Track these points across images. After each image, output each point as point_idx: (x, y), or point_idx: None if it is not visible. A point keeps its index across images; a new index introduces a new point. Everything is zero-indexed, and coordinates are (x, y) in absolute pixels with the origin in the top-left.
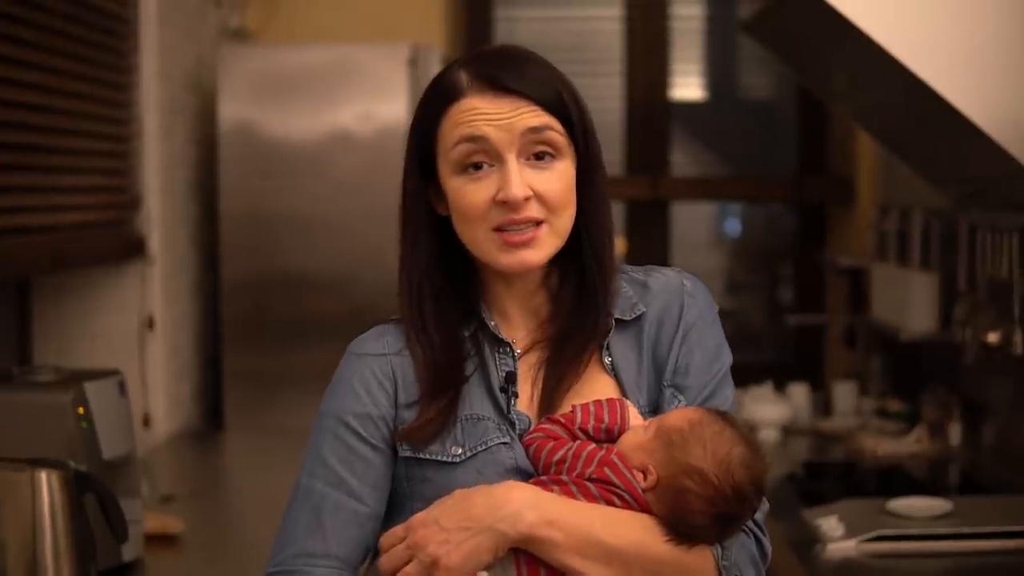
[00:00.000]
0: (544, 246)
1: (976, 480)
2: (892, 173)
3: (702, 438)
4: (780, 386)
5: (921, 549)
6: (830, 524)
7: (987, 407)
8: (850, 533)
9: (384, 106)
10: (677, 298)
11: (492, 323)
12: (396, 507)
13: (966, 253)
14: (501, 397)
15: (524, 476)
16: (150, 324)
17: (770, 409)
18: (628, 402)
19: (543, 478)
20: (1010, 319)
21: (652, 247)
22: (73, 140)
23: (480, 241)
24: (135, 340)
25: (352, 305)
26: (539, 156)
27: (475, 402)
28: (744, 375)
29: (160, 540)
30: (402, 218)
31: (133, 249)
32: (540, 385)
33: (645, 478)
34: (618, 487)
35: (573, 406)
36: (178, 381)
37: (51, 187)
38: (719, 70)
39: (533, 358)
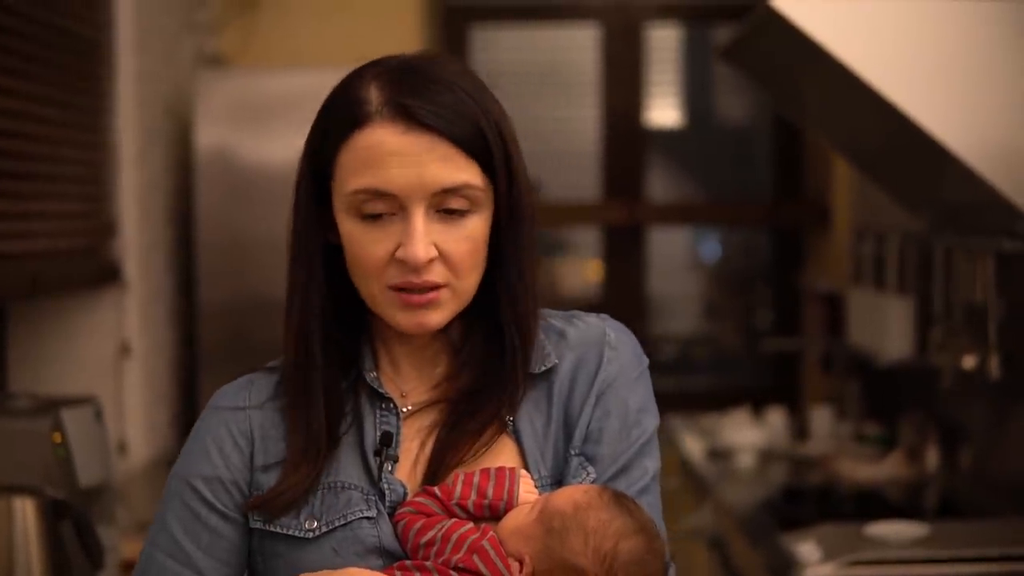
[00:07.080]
0: (445, 309)
1: (954, 504)
2: (868, 198)
3: (584, 528)
4: (757, 410)
5: (899, 574)
6: (807, 549)
7: (964, 431)
8: (827, 558)
9: None
10: (596, 350)
11: (372, 374)
12: None
13: (942, 278)
14: (374, 461)
15: (389, 558)
16: (126, 350)
17: (747, 433)
18: (522, 472)
19: (407, 563)
20: (985, 343)
21: (629, 272)
22: (49, 166)
23: (375, 297)
24: (111, 366)
25: None
26: (449, 210)
27: (343, 467)
28: (721, 399)
29: None
30: (292, 247)
31: (109, 275)
32: (428, 450)
33: (521, 569)
34: None
35: (455, 475)
36: (155, 407)
37: (27, 213)
38: (696, 96)
39: (426, 419)
